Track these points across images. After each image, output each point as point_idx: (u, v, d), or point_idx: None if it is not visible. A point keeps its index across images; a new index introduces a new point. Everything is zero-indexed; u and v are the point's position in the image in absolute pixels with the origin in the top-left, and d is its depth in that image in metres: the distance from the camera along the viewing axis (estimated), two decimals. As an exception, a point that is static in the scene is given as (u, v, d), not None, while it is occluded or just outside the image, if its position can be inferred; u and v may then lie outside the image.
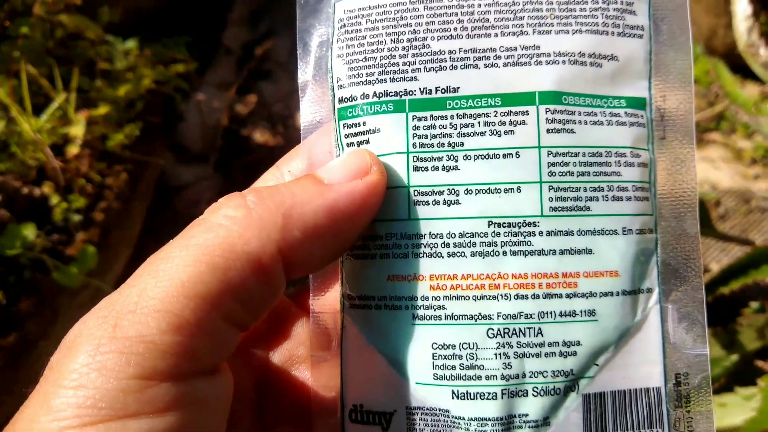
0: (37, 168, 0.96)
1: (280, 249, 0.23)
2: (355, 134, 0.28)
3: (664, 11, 0.28)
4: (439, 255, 0.27)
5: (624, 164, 0.27)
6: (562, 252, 0.26)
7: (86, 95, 1.04)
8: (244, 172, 1.24)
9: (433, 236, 0.27)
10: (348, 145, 0.28)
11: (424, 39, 0.27)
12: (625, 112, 0.27)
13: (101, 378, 0.20)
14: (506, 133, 0.27)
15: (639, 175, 0.27)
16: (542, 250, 0.26)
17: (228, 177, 1.24)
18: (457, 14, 0.27)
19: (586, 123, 0.27)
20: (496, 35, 0.27)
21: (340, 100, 0.29)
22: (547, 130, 0.26)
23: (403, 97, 0.27)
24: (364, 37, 0.28)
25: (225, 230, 0.23)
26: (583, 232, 0.26)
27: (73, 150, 0.98)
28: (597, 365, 0.26)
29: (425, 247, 0.27)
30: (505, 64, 0.27)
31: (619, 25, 0.27)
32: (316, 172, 0.26)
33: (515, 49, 0.27)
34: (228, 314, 0.22)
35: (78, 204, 0.94)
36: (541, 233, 0.26)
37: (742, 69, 1.09)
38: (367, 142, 0.28)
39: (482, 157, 0.27)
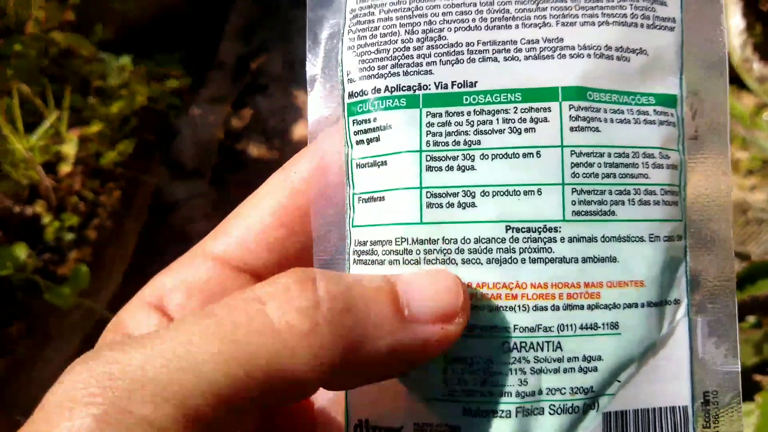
0: (30, 187, 0.95)
1: (323, 380, 0.21)
2: (365, 131, 0.27)
3: (698, 1, 0.26)
4: (453, 262, 0.25)
5: (652, 166, 0.25)
6: (584, 260, 0.24)
7: (79, 113, 1.04)
8: (240, 187, 1.24)
9: (447, 241, 0.25)
10: (357, 142, 0.27)
11: (441, 30, 0.26)
12: (654, 110, 0.26)
13: None
14: (527, 130, 0.25)
15: (668, 178, 0.25)
16: (563, 257, 0.24)
17: (223, 192, 1.23)
18: (475, 4, 0.26)
19: (612, 121, 0.25)
20: (517, 27, 0.26)
21: (350, 95, 0.27)
22: (571, 128, 0.25)
23: (417, 92, 0.26)
24: (376, 28, 0.27)
25: (278, 341, 0.20)
26: (607, 239, 0.25)
27: (65, 168, 0.97)
28: (619, 382, 0.25)
29: (438, 252, 0.25)
30: (527, 58, 0.25)
31: (649, 17, 0.26)
32: (400, 290, 0.23)
33: (537, 41, 0.25)
34: (243, 413, 0.21)
35: (70, 222, 0.94)
36: (562, 239, 0.24)
37: (737, 80, 1.09)
38: (378, 139, 0.26)
39: (500, 156, 0.25)
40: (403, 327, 0.22)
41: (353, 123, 0.27)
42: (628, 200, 0.25)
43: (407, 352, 0.23)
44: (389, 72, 0.26)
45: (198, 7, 1.41)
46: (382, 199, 0.26)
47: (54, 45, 1.05)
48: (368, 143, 0.27)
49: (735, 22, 0.96)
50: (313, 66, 0.28)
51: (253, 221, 0.28)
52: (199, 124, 1.31)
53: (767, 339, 0.76)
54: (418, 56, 0.26)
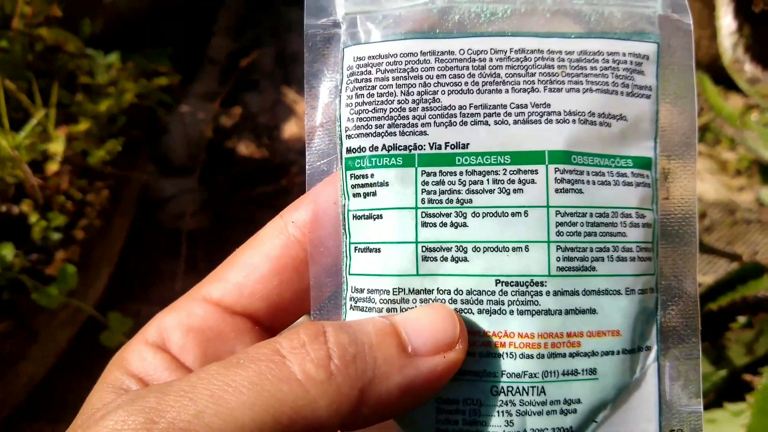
0: (16, 185, 0.93)
1: (343, 423, 0.23)
2: (362, 185, 0.28)
3: (671, 72, 0.28)
4: None
5: (629, 225, 0.27)
6: (567, 312, 0.26)
7: (67, 110, 1.02)
8: (229, 185, 1.23)
9: (441, 292, 0.27)
10: (354, 195, 0.28)
11: (435, 93, 0.27)
12: (632, 172, 0.27)
13: None
14: (515, 191, 0.26)
15: (643, 236, 0.27)
16: (548, 309, 0.26)
17: (212, 190, 1.22)
18: (468, 68, 0.27)
19: (594, 183, 0.27)
20: (507, 91, 0.27)
21: (348, 150, 0.28)
22: (556, 190, 0.26)
23: (413, 152, 0.27)
24: (373, 87, 0.28)
25: (300, 390, 0.22)
26: (588, 292, 0.26)
27: (52, 167, 0.96)
28: (595, 422, 0.27)
29: (433, 302, 0.27)
30: (515, 122, 0.27)
31: (629, 85, 0.27)
32: (401, 329, 0.25)
33: (526, 106, 0.27)
34: None
35: (57, 222, 0.92)
36: (547, 293, 0.26)
37: (725, 80, 1.10)
38: (374, 194, 0.28)
39: (491, 214, 0.26)
40: (409, 363, 0.24)
41: (350, 177, 0.28)
42: (608, 257, 0.27)
43: (416, 386, 0.24)
44: (386, 131, 0.27)
45: (188, 2, 1.40)
46: (378, 250, 0.28)
47: (40, 40, 1.03)
48: (365, 197, 0.28)
49: (726, 22, 0.96)
50: (311, 119, 0.29)
51: (249, 268, 0.29)
52: (188, 121, 1.30)
53: (758, 339, 0.76)
54: (414, 117, 0.27)
